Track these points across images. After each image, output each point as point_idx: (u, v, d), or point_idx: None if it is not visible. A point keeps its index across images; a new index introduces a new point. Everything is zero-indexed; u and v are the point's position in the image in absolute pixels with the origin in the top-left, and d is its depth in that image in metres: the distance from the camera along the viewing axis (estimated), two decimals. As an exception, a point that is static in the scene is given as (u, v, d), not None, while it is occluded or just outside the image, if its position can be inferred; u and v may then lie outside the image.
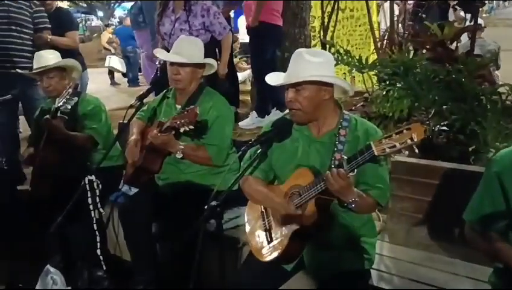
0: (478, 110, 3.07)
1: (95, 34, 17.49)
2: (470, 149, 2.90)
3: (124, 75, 11.24)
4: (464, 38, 4.98)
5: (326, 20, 4.95)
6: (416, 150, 1.61)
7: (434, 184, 2.54)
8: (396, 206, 2.53)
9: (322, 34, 4.79)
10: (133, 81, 10.78)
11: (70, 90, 2.81)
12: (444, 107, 3.20)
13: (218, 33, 3.57)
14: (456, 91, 3.16)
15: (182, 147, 2.62)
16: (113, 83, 11.25)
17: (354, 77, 5.62)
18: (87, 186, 2.33)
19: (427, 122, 3.37)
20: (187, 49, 2.74)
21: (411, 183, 2.60)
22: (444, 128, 3.29)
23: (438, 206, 2.50)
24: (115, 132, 3.41)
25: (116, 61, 11.14)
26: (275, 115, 4.05)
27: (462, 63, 3.33)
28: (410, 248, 2.39)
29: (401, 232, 2.55)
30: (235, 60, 7.29)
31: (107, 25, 14.72)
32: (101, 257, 2.45)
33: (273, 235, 2.04)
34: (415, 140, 1.56)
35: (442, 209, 2.37)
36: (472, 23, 3.83)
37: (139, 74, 11.05)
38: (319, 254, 2.01)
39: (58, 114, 2.78)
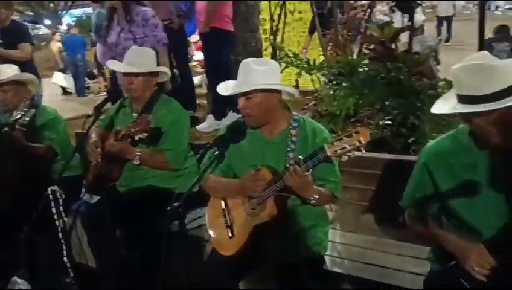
0: (417, 105, 3.31)
1: (43, 43, 17.00)
2: (410, 141, 3.13)
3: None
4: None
5: (275, 23, 5.13)
6: (364, 151, 1.81)
7: (378, 174, 2.75)
8: (345, 196, 2.69)
9: (272, 37, 4.97)
10: (81, 91, 10.67)
11: (27, 102, 2.83)
12: (387, 103, 3.42)
13: (151, 45, 3.51)
14: (396, 88, 3.38)
15: (139, 153, 2.71)
16: (65, 92, 11.06)
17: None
18: (51, 196, 2.38)
19: (373, 117, 3.60)
20: (139, 58, 2.83)
21: (357, 175, 2.78)
22: (388, 122, 3.52)
23: (383, 194, 2.71)
24: (72, 141, 3.44)
25: (59, 78, 11.03)
26: (231, 117, 4.17)
27: (401, 61, 3.58)
28: (359, 234, 2.57)
29: (351, 220, 2.72)
30: (191, 64, 7.37)
31: (54, 33, 14.34)
32: (68, 264, 2.50)
33: (234, 230, 2.19)
34: (362, 142, 1.77)
35: (386, 196, 2.57)
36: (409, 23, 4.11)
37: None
38: (279, 244, 2.15)
39: (17, 126, 2.80)
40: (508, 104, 1.53)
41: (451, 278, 1.73)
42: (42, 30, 20.48)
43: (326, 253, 2.35)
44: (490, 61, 1.60)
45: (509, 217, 1.68)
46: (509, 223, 1.68)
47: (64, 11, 23.55)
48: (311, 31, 6.93)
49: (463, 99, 1.63)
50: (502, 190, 1.69)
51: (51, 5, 22.94)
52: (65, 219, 2.47)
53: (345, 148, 1.80)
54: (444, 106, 1.74)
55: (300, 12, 7.22)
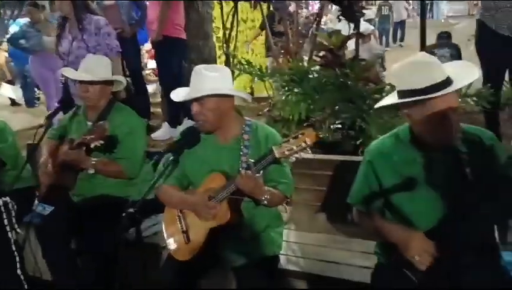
0: (364, 108, 3.47)
1: (-14, 55, 16.28)
2: (359, 143, 3.29)
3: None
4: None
5: (228, 32, 5.22)
6: (310, 151, 1.91)
7: (329, 175, 2.88)
8: (299, 197, 2.81)
9: (225, 45, 5.06)
10: (30, 102, 10.33)
11: None
12: (336, 107, 3.57)
13: (104, 54, 3.47)
14: (344, 93, 3.54)
15: (94, 162, 2.70)
16: (14, 103, 10.66)
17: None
18: (2, 207, 2.33)
19: (324, 121, 3.74)
20: (95, 66, 2.83)
21: (310, 176, 2.89)
22: (338, 126, 3.68)
23: (334, 194, 2.84)
24: (23, 152, 3.37)
25: (7, 89, 10.63)
26: (187, 124, 4.21)
27: (348, 68, 3.75)
28: (312, 233, 2.68)
29: (304, 219, 2.84)
30: (144, 72, 7.33)
31: (0, 43, 13.79)
32: (22, 277, 2.45)
33: (190, 235, 2.23)
34: (308, 143, 1.87)
35: (337, 196, 2.69)
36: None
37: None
38: (235, 246, 2.22)
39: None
40: (440, 93, 1.67)
41: (395, 270, 1.83)
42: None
43: (282, 252, 2.42)
44: (426, 59, 1.75)
45: (445, 211, 1.81)
46: (445, 216, 1.80)
47: (11, 20, 22.65)
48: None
49: (402, 94, 1.77)
50: (437, 184, 1.82)
51: (-4, 13, 22.03)
52: (18, 230, 2.42)
53: (292, 149, 1.89)
54: (386, 101, 1.88)
55: (253, 21, 7.40)
